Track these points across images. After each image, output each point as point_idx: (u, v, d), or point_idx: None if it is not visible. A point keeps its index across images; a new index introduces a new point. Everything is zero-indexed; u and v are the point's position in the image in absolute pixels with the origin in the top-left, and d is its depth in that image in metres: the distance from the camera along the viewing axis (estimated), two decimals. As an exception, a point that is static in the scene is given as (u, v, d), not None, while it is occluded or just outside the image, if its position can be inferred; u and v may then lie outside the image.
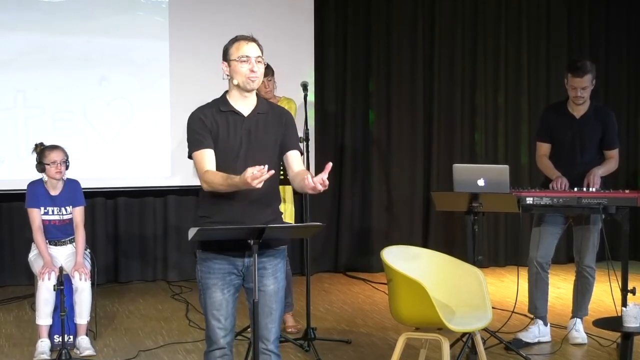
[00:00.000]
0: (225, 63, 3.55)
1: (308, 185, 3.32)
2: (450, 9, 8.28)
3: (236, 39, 3.56)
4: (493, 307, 4.54)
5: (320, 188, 3.30)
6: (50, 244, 5.41)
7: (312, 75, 7.59)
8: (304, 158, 5.25)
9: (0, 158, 7.03)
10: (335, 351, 5.38)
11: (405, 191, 8.26)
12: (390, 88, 8.19)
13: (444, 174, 7.96)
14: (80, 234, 5.43)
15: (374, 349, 5.44)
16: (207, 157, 3.49)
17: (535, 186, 5.59)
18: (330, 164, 3.29)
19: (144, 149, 7.30)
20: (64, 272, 5.12)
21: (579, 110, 5.41)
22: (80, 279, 5.26)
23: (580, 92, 5.31)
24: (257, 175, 3.23)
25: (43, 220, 5.38)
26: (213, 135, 3.51)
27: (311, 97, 6.87)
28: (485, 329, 4.94)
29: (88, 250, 5.53)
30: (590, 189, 5.18)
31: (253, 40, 3.56)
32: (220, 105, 3.56)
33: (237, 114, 3.54)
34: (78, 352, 5.26)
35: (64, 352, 5.01)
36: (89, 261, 5.44)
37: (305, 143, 5.32)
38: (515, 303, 5.38)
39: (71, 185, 5.47)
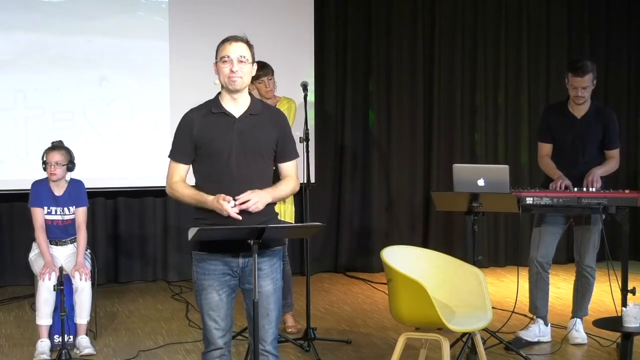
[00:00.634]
0: (214, 64, 3.56)
1: None
2: (450, 9, 8.27)
3: (224, 40, 3.56)
4: (493, 307, 4.54)
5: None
6: (51, 244, 5.41)
7: (312, 75, 7.59)
8: (304, 158, 5.27)
9: (0, 158, 7.02)
10: (335, 351, 5.38)
11: (405, 191, 8.26)
12: (390, 88, 8.19)
13: (444, 174, 7.96)
14: (82, 235, 5.43)
15: (374, 349, 5.44)
16: (179, 171, 3.58)
17: (535, 186, 5.59)
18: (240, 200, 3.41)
19: (144, 149, 7.30)
20: (64, 272, 5.12)
21: (579, 110, 5.41)
22: (81, 279, 5.26)
23: (581, 92, 5.31)
24: (224, 208, 3.36)
25: (45, 220, 5.39)
26: (200, 140, 3.51)
27: (311, 97, 6.87)
28: (485, 329, 4.94)
29: (88, 250, 5.53)
30: (591, 189, 5.18)
31: (239, 40, 3.54)
32: (212, 106, 3.56)
33: (229, 115, 3.54)
34: (78, 352, 5.27)
35: (64, 352, 5.01)
36: (89, 261, 5.44)
37: (305, 143, 5.32)
38: (515, 303, 5.38)
39: (75, 185, 5.47)
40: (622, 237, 5.22)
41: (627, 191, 5.16)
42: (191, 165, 3.61)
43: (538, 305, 5.45)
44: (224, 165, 3.49)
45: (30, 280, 6.14)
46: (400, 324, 4.42)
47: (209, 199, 3.43)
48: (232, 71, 3.49)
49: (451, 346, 4.54)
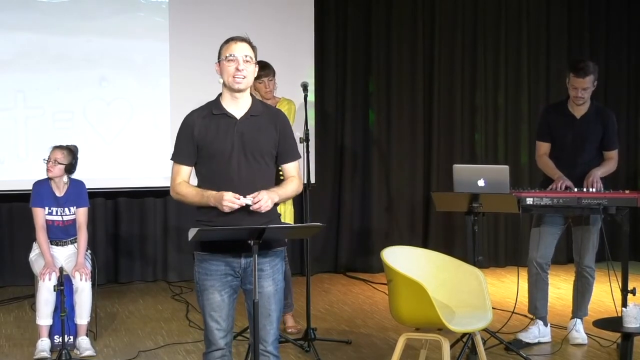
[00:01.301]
0: (217, 63, 3.56)
1: None
2: (450, 9, 8.27)
3: (227, 39, 3.56)
4: (493, 308, 4.54)
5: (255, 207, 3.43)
6: (51, 244, 5.41)
7: (312, 76, 7.59)
8: (304, 158, 5.27)
9: (0, 159, 7.02)
10: (336, 351, 5.38)
11: (405, 191, 8.26)
12: (390, 88, 8.19)
13: (444, 174, 7.96)
14: (83, 235, 5.43)
15: (374, 350, 5.44)
16: (182, 173, 3.58)
17: (535, 186, 5.58)
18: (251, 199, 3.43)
19: (144, 149, 7.30)
20: (64, 273, 5.12)
21: (579, 110, 5.41)
22: (81, 280, 5.26)
23: (581, 93, 5.31)
24: (233, 200, 3.36)
25: (46, 220, 5.39)
26: (202, 141, 3.52)
27: (311, 97, 6.87)
28: (485, 330, 4.94)
29: (89, 250, 5.53)
30: (591, 190, 5.18)
31: (243, 40, 3.55)
32: (213, 108, 3.56)
33: (229, 116, 3.54)
34: (78, 352, 5.27)
35: (64, 352, 5.02)
36: (90, 261, 5.44)
37: (305, 143, 5.32)
38: (515, 303, 5.38)
39: (76, 186, 5.48)
40: (622, 237, 5.22)
41: (627, 192, 5.16)
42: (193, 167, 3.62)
43: (538, 306, 5.45)
44: (225, 167, 3.49)
45: (30, 281, 6.14)
46: (400, 324, 4.43)
47: (212, 194, 3.43)
48: (237, 70, 3.49)
49: (451, 346, 4.54)
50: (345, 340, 5.61)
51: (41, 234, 5.37)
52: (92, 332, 5.56)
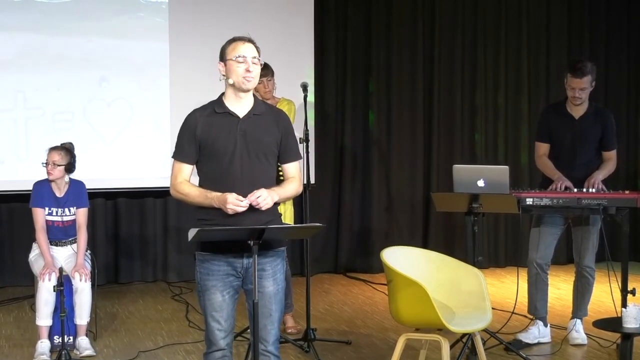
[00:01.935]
0: (222, 63, 3.56)
1: None
2: (450, 9, 8.27)
3: (233, 40, 3.57)
4: (493, 308, 4.55)
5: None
6: (51, 245, 5.41)
7: (312, 76, 7.59)
8: (304, 158, 5.27)
9: (0, 159, 7.02)
10: (335, 352, 5.38)
11: (405, 191, 8.26)
12: (390, 88, 8.19)
13: (444, 174, 7.96)
14: (83, 235, 5.43)
15: (374, 350, 5.44)
16: (184, 171, 3.58)
17: (534, 187, 5.58)
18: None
19: (144, 149, 7.30)
20: (64, 273, 5.12)
21: (577, 110, 5.41)
22: (81, 280, 5.26)
23: (579, 93, 5.31)
24: (237, 204, 3.37)
25: (46, 221, 5.39)
26: (204, 140, 3.52)
27: (311, 97, 6.87)
28: (485, 330, 4.94)
29: (88, 251, 5.53)
30: (591, 190, 5.18)
31: (250, 40, 3.57)
32: (216, 107, 3.57)
33: (233, 115, 3.55)
34: (78, 352, 5.27)
35: (63, 352, 5.02)
36: (89, 262, 5.44)
37: (305, 144, 5.32)
38: (515, 304, 5.38)
39: (76, 186, 5.47)
40: (622, 237, 5.22)
41: (627, 192, 5.16)
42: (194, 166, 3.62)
43: (537, 306, 5.45)
44: (227, 165, 3.50)
45: (30, 281, 6.14)
46: (400, 324, 4.43)
47: (216, 196, 3.43)
48: (247, 71, 3.51)
49: (451, 347, 4.55)
50: (345, 340, 5.61)
51: (41, 235, 5.37)
52: (92, 332, 5.57)
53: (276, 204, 3.58)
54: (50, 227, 5.40)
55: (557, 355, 5.27)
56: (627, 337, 4.56)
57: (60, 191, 5.42)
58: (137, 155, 7.30)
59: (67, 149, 5.43)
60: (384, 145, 8.21)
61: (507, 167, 5.08)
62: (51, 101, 7.08)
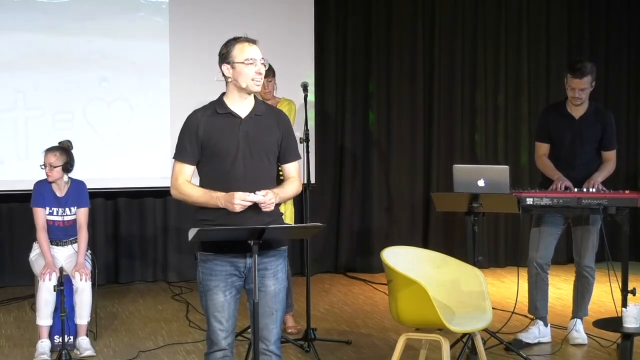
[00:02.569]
0: (228, 65, 3.54)
1: None
2: (450, 9, 8.27)
3: (237, 41, 3.55)
4: (493, 308, 4.54)
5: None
6: (51, 244, 5.41)
7: (312, 76, 7.59)
8: (304, 158, 5.27)
9: (0, 159, 7.02)
10: (336, 352, 5.38)
11: (405, 191, 8.25)
12: (390, 88, 8.19)
13: (444, 174, 7.97)
14: (83, 235, 5.43)
15: (374, 350, 5.44)
16: (185, 172, 3.56)
17: (534, 187, 5.58)
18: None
19: (144, 149, 7.30)
20: (64, 273, 5.12)
21: (577, 110, 5.41)
22: (81, 280, 5.26)
23: (578, 93, 5.31)
24: (244, 198, 3.38)
25: (47, 221, 5.39)
26: (207, 140, 3.52)
27: (311, 97, 6.87)
28: (485, 330, 4.94)
29: (89, 251, 5.53)
30: (591, 190, 5.18)
31: (256, 42, 3.57)
32: (217, 107, 3.57)
33: (235, 116, 3.55)
34: (78, 352, 5.27)
35: (64, 352, 5.02)
36: (90, 262, 5.44)
37: (305, 144, 5.32)
38: (515, 304, 5.38)
39: (77, 186, 5.47)
40: (622, 237, 5.22)
41: (627, 192, 5.16)
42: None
43: (538, 306, 5.45)
44: (230, 166, 3.50)
45: (30, 281, 6.14)
46: (400, 324, 4.43)
47: (222, 195, 3.43)
48: (258, 73, 3.52)
49: (451, 347, 4.54)
50: (345, 340, 5.61)
51: (42, 234, 5.37)
52: (92, 332, 5.57)
53: (277, 205, 3.59)
54: (50, 226, 5.40)
55: (558, 355, 5.27)
56: (627, 337, 4.56)
57: (60, 191, 5.42)
58: (137, 155, 7.30)
59: (63, 149, 5.42)
60: (384, 145, 8.21)
61: (507, 167, 5.08)
62: (51, 101, 7.08)
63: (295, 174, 3.67)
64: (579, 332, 5.45)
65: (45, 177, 5.40)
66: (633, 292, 5.04)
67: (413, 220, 8.28)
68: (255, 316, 3.45)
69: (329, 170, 8.09)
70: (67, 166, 5.40)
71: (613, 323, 4.67)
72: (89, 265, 5.39)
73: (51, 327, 5.29)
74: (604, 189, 5.25)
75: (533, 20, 8.50)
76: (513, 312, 5.46)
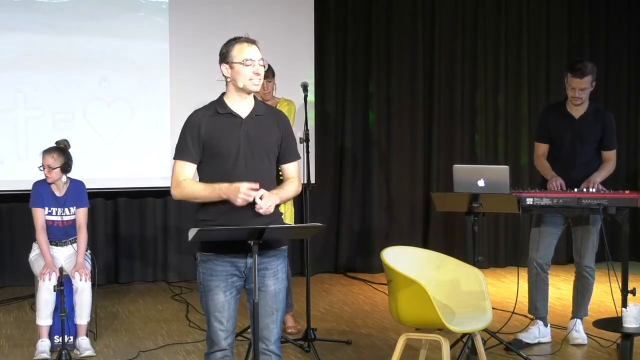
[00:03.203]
0: (226, 65, 3.54)
1: None
2: (450, 9, 8.28)
3: (237, 41, 3.56)
4: (493, 308, 4.55)
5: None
6: (51, 244, 5.41)
7: (312, 76, 7.59)
8: (304, 158, 5.27)
9: (0, 159, 7.02)
10: (336, 352, 5.38)
11: (405, 191, 8.26)
12: (390, 88, 8.19)
13: (444, 174, 7.97)
14: (83, 235, 5.43)
15: (374, 350, 5.44)
16: (186, 170, 3.55)
17: (534, 187, 5.58)
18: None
19: (144, 149, 7.30)
20: (64, 273, 5.12)
21: (577, 110, 5.41)
22: (81, 280, 5.26)
23: (579, 93, 5.31)
24: (249, 194, 3.37)
25: (46, 221, 5.39)
26: (208, 140, 3.51)
27: (311, 97, 6.87)
28: (485, 330, 4.94)
29: (88, 251, 5.53)
30: (591, 190, 5.18)
31: (255, 43, 3.57)
32: (218, 107, 3.57)
33: (235, 116, 3.55)
34: (78, 352, 5.27)
35: (64, 352, 5.02)
36: (89, 262, 5.44)
37: (305, 144, 5.32)
38: (515, 304, 5.38)
39: (76, 186, 5.47)
40: (622, 237, 5.22)
41: (627, 192, 5.16)
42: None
43: (538, 306, 5.45)
44: (231, 166, 3.50)
45: (30, 281, 6.14)
46: (400, 324, 4.43)
47: (225, 186, 3.41)
48: (256, 74, 3.52)
49: (451, 347, 4.55)
50: (345, 340, 5.61)
51: (41, 235, 5.37)
52: (92, 332, 5.57)
53: (277, 205, 3.58)
54: (50, 227, 5.40)
55: (558, 355, 5.27)
56: (627, 337, 4.56)
57: (59, 191, 5.42)
58: (137, 155, 7.30)
59: (61, 149, 5.42)
60: (384, 145, 8.21)
61: (507, 167, 5.08)
62: (51, 101, 7.08)
63: (295, 174, 3.67)
64: (579, 332, 5.45)
65: (44, 177, 5.40)
66: (633, 292, 5.04)
67: (413, 220, 8.28)
68: (255, 316, 3.45)
69: (329, 170, 8.09)
70: (66, 167, 5.39)
71: (613, 323, 4.67)
72: (88, 265, 5.39)
73: (51, 327, 5.29)
74: (604, 189, 5.25)
75: (533, 20, 8.51)
76: (513, 312, 5.46)
